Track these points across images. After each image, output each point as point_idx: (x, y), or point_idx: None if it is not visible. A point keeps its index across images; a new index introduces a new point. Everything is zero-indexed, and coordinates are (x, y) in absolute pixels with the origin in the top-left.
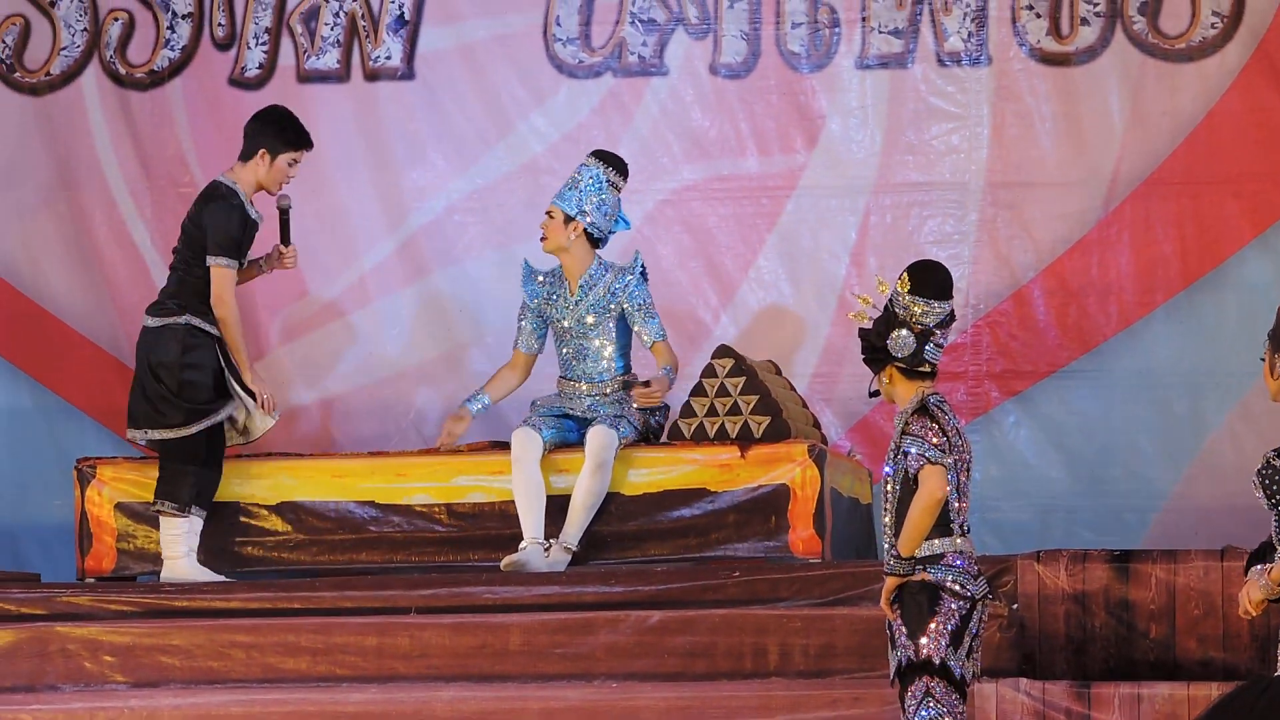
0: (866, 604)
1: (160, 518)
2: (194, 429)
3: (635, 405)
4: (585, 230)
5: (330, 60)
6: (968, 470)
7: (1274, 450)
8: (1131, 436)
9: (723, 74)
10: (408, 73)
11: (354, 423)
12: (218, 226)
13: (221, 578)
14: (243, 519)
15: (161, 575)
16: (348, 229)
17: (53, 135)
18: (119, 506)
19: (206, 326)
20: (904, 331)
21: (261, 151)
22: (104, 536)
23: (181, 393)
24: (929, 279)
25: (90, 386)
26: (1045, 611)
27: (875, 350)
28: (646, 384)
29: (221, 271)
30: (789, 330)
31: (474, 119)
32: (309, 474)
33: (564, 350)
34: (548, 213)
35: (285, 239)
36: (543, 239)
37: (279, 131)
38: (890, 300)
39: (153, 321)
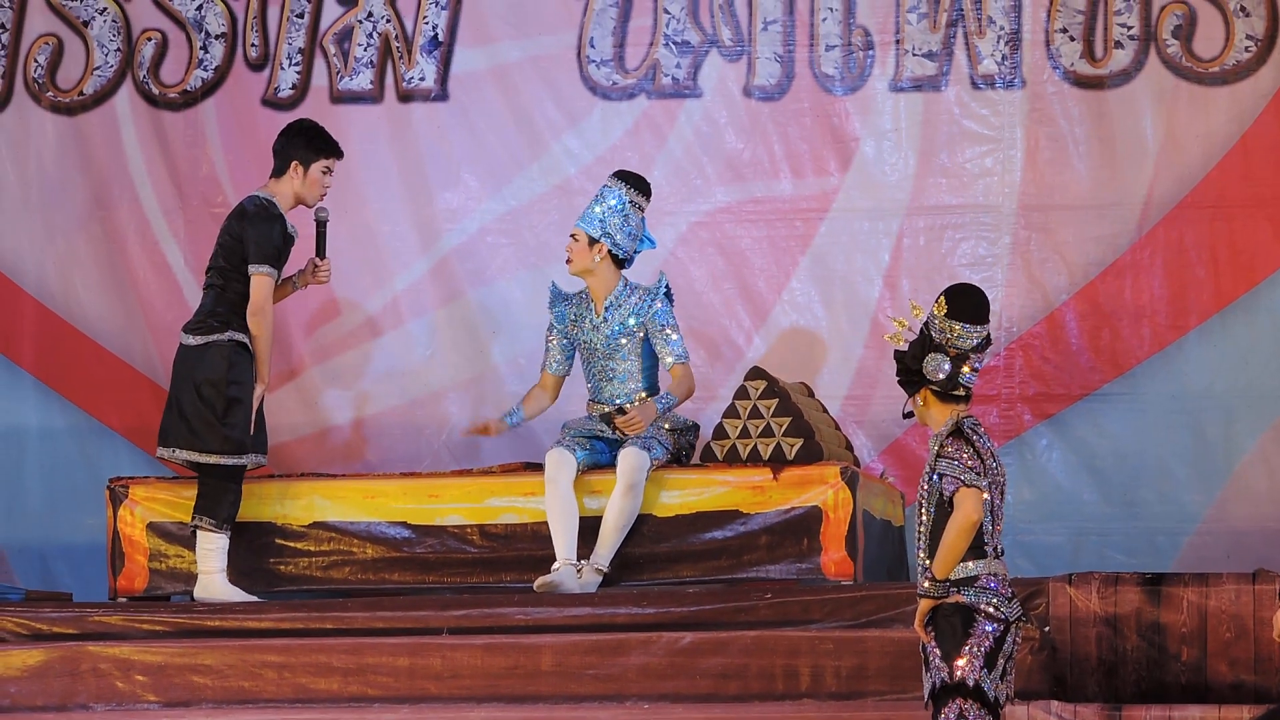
0: (899, 626)
1: (197, 533)
2: (241, 460)
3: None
4: (609, 252)
5: (364, 81)
6: (1001, 493)
7: None
8: (1164, 459)
9: (756, 96)
10: (441, 94)
11: (386, 443)
12: (260, 236)
13: (253, 598)
14: (276, 539)
15: (195, 591)
16: (380, 249)
17: (86, 155)
18: (151, 526)
19: (249, 342)
20: (939, 355)
21: (294, 164)
22: (136, 556)
23: (227, 415)
24: (966, 303)
25: (123, 406)
26: (1077, 634)
27: (910, 373)
28: (622, 411)
29: (262, 279)
30: (821, 352)
31: (507, 140)
32: (342, 494)
33: (592, 372)
34: (572, 235)
35: (320, 252)
36: (568, 261)
37: (308, 142)
38: (926, 323)
39: (194, 340)
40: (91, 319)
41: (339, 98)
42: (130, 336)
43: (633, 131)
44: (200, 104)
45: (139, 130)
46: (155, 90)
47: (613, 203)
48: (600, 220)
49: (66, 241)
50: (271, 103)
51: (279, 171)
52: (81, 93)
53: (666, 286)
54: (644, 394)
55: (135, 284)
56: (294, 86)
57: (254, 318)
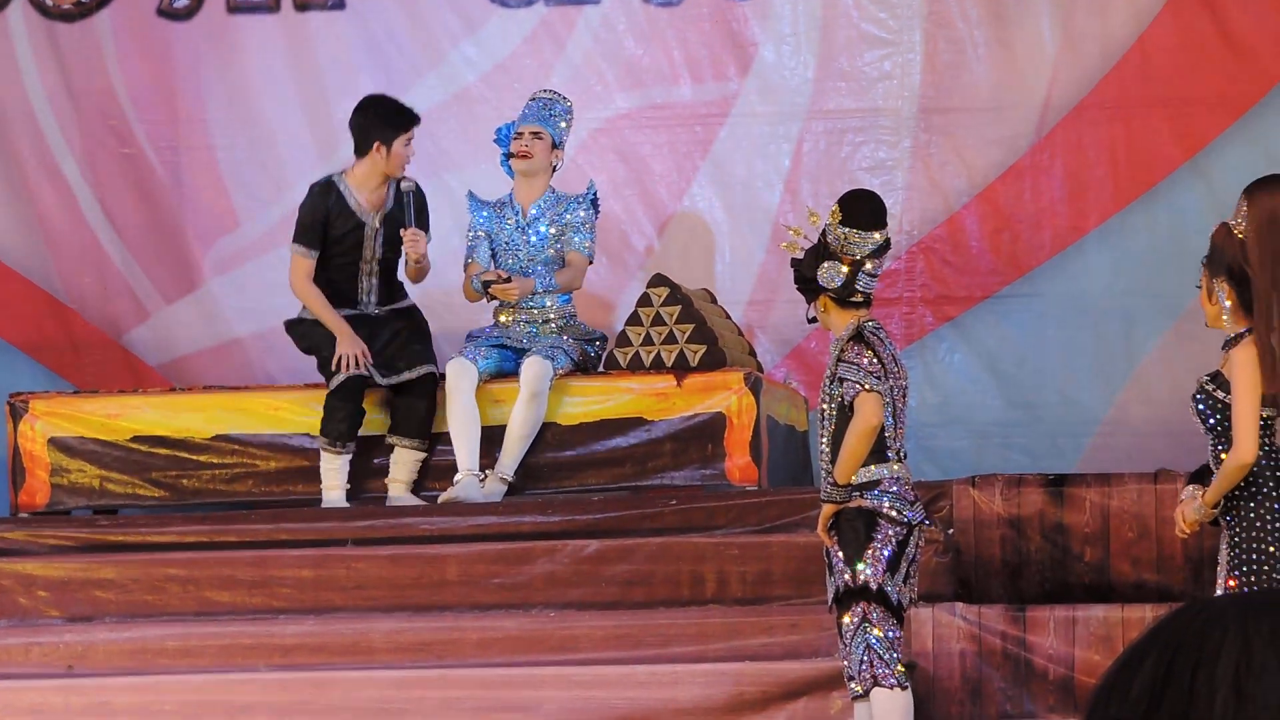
0: (803, 531)
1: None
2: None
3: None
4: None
5: None
6: (904, 396)
7: (1208, 375)
8: (1065, 361)
9: (655, 2)
10: (338, 2)
11: (290, 355)
12: (298, 215)
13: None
14: (179, 452)
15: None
16: (279, 160)
17: None
18: (52, 441)
19: (304, 314)
20: (834, 262)
21: (376, 145)
22: (37, 471)
23: (322, 366)
24: (861, 209)
25: (23, 321)
26: (981, 536)
27: (807, 281)
28: (508, 279)
29: (292, 259)
30: (723, 258)
31: (405, 49)
32: (244, 406)
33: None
34: (535, 134)
35: (408, 222)
36: (525, 156)
37: (386, 120)
38: (823, 230)
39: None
40: None
41: (235, 8)
42: (28, 251)
43: (531, 39)
44: (95, 15)
45: (33, 43)
46: (49, 2)
47: (560, 111)
48: (564, 132)
49: None
50: (167, 13)
51: (361, 151)
52: None
53: (594, 195)
54: (559, 302)
55: (33, 199)
56: None
57: (297, 295)
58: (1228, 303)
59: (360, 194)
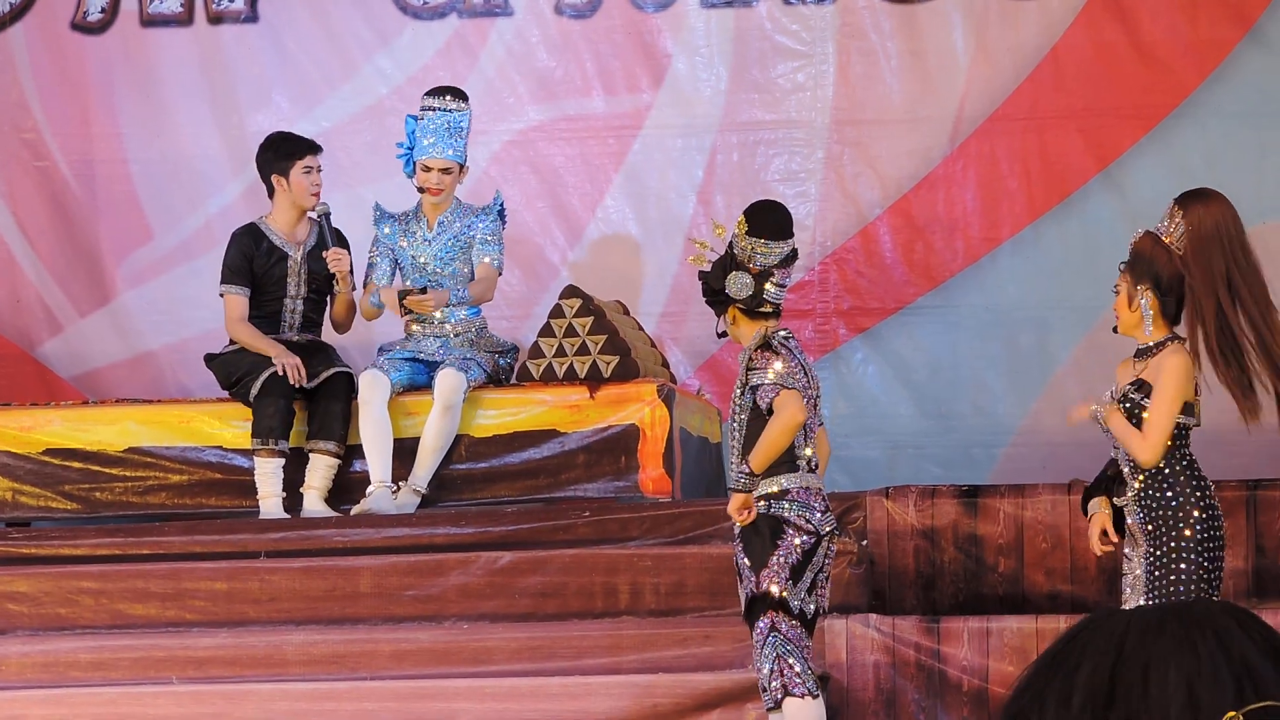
0: (717, 542)
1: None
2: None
3: (410, 310)
4: None
5: (174, 3)
6: (816, 407)
7: (1131, 384)
8: (979, 372)
9: (568, 14)
10: (251, 15)
11: (202, 367)
12: (223, 260)
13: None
14: (92, 465)
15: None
16: (193, 173)
17: None
18: None
19: (225, 348)
20: (742, 273)
21: (275, 179)
22: None
23: (241, 390)
24: (766, 219)
25: None
26: (894, 547)
27: (715, 293)
28: (424, 290)
29: (225, 302)
30: (637, 270)
31: (318, 61)
32: (157, 419)
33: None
34: (444, 170)
35: (326, 244)
36: (436, 191)
37: (275, 152)
38: (730, 242)
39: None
40: None
41: (149, 21)
42: None
43: (444, 51)
44: (8, 29)
45: None
46: None
47: (466, 125)
48: (465, 147)
49: None
50: (81, 27)
51: (270, 191)
52: None
53: (501, 205)
54: (468, 315)
55: None
56: (103, 10)
57: (230, 335)
58: (1150, 311)
59: (281, 231)
